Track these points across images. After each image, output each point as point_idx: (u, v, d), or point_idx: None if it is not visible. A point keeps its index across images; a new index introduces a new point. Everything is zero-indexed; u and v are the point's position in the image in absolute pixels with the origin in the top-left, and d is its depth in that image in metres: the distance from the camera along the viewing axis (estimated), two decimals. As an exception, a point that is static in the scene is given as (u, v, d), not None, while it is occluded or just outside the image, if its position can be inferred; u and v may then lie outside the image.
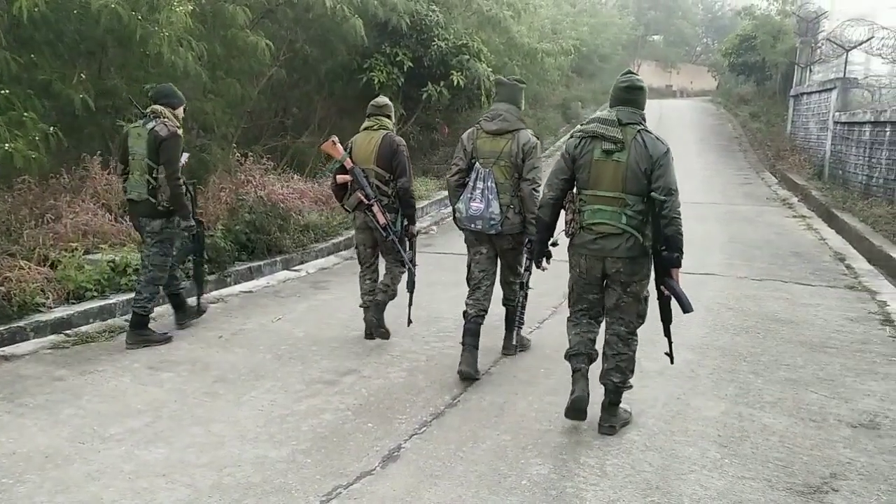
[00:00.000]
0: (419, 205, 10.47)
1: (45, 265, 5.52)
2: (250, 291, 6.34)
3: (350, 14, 9.03)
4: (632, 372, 3.60)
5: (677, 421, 3.70)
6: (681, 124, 22.56)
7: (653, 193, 3.33)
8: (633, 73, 3.62)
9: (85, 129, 7.32)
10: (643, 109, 3.50)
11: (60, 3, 6.43)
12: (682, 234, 3.36)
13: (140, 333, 4.81)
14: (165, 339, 4.88)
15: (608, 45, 27.73)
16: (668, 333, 3.64)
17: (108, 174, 7.03)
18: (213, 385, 4.16)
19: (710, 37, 45.13)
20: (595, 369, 3.64)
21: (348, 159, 4.80)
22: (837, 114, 12.88)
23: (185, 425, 3.62)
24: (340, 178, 4.84)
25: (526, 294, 4.34)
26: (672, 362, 3.79)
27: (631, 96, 3.46)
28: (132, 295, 5.54)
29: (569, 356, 3.65)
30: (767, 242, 8.59)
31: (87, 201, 6.65)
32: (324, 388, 4.13)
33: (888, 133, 9.99)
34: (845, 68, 14.13)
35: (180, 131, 4.82)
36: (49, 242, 5.81)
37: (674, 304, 3.50)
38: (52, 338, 4.89)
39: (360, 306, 5.07)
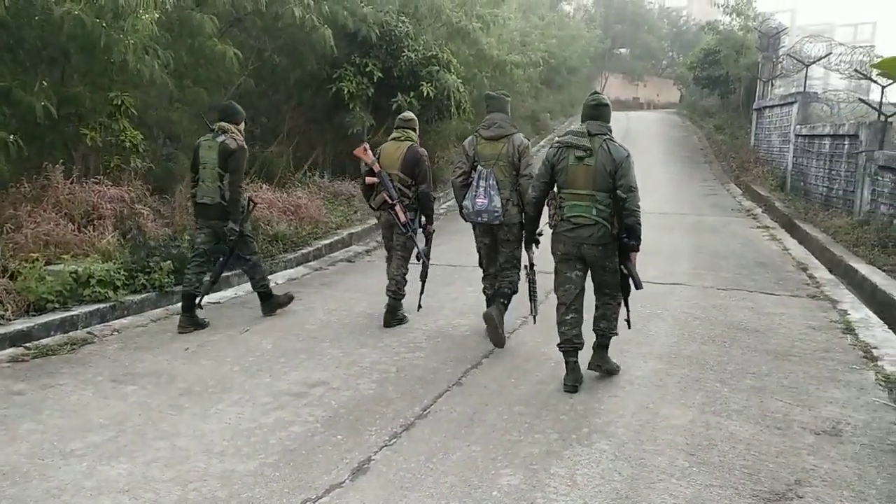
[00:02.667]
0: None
1: (3, 276, 5.37)
2: (217, 302, 6.25)
3: (319, 24, 9.01)
4: (616, 320, 4.41)
5: (646, 430, 3.73)
6: (648, 136, 22.91)
7: (618, 192, 4.04)
8: (598, 92, 4.42)
9: (47, 137, 7.17)
10: (609, 122, 4.26)
11: (21, 8, 6.30)
12: (640, 224, 4.10)
13: (270, 303, 5.78)
14: (289, 299, 5.88)
15: (576, 58, 28.04)
16: (626, 304, 4.42)
17: (71, 183, 6.89)
18: (179, 398, 4.09)
19: (675, 50, 45.87)
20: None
21: (376, 164, 5.40)
22: (798, 127, 13.20)
23: (149, 439, 3.54)
24: (369, 179, 5.47)
25: (534, 271, 4.94)
26: (629, 327, 4.54)
27: (598, 112, 4.23)
28: (96, 306, 5.47)
29: (560, 348, 4.33)
30: (732, 252, 8.74)
31: (48, 211, 6.49)
32: (292, 400, 4.08)
33: (846, 146, 10.27)
34: (805, 83, 14.50)
35: (245, 145, 5.49)
36: (8, 253, 5.66)
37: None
38: (11, 351, 4.75)
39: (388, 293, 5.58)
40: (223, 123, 5.45)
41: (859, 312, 6.10)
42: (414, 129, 5.61)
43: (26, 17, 6.47)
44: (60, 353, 4.79)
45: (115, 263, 5.96)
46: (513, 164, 4.93)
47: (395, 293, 5.52)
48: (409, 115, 5.72)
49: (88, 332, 5.23)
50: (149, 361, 4.70)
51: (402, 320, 5.61)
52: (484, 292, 5.33)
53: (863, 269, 7.00)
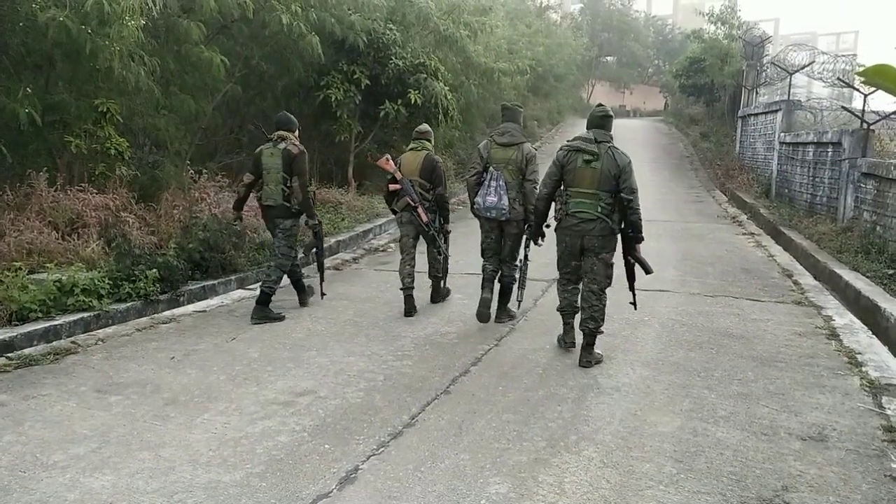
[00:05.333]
0: (380, 221, 10.46)
1: (-15, 285, 5.31)
2: (204, 311, 6.20)
3: (307, 31, 9.01)
4: (602, 321, 4.90)
5: (634, 437, 3.73)
6: (635, 143, 22.98)
7: (622, 194, 4.65)
8: (603, 105, 5.03)
9: (31, 144, 7.11)
10: (611, 131, 4.87)
11: (5, 14, 6.25)
12: (641, 220, 4.73)
13: (263, 310, 5.88)
14: (280, 317, 5.93)
15: (563, 66, 28.20)
16: (632, 289, 5.01)
17: (55, 191, 6.82)
18: (164, 408, 4.05)
19: (661, 58, 46.20)
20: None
21: (398, 172, 6.08)
22: (782, 134, 13.32)
23: (134, 450, 3.50)
24: (392, 186, 6.13)
25: (526, 264, 5.71)
26: (635, 308, 5.15)
27: (603, 122, 4.86)
28: (80, 315, 5.41)
29: (560, 311, 5.14)
30: (719, 259, 8.79)
31: (32, 219, 6.42)
32: (279, 409, 4.05)
33: (830, 153, 10.37)
34: (789, 91, 14.64)
35: (304, 149, 6.02)
36: (-9, 262, 5.60)
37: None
38: (-7, 361, 4.69)
39: (401, 289, 6.13)
40: (281, 132, 5.97)
41: (844, 318, 6.15)
42: (429, 140, 6.30)
43: (10, 23, 6.42)
44: (43, 363, 4.73)
45: (99, 272, 5.90)
46: (520, 169, 5.55)
47: (434, 273, 6.41)
48: (425, 127, 6.40)
49: (72, 342, 5.17)
50: (134, 371, 4.65)
51: (446, 294, 6.58)
52: (484, 269, 5.83)
53: (847, 275, 7.06)
